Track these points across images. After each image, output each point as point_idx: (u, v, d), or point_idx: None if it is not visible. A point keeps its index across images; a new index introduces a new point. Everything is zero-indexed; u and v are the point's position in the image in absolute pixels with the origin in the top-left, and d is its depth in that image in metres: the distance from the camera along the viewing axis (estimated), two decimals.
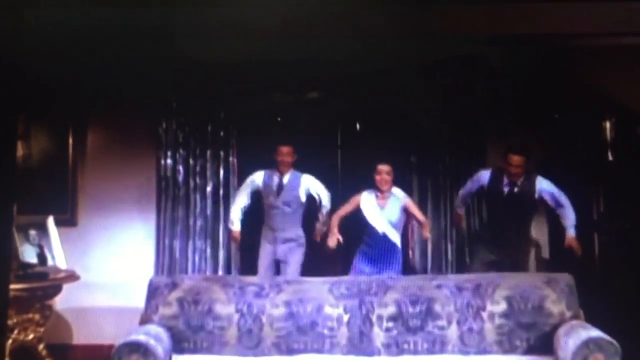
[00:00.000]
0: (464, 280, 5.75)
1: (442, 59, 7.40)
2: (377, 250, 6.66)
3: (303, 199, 7.02)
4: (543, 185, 6.68)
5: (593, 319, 5.47)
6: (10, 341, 6.50)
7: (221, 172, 7.55)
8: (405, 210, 6.74)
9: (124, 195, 7.69)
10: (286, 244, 7.01)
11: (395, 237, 6.69)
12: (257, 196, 7.11)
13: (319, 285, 5.70)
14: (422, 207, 7.36)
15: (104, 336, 7.23)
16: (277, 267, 7.08)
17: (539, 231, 7.47)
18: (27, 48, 6.09)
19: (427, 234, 6.76)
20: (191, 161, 7.57)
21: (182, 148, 7.58)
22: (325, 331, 5.50)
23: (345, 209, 6.81)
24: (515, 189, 6.64)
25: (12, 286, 6.44)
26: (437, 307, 5.54)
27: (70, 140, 7.71)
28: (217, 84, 7.58)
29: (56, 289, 6.86)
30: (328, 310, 5.55)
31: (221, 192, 7.51)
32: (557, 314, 5.49)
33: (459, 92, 7.52)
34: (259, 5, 5.48)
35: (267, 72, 7.42)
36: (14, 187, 5.26)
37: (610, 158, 7.22)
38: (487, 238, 6.90)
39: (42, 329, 6.79)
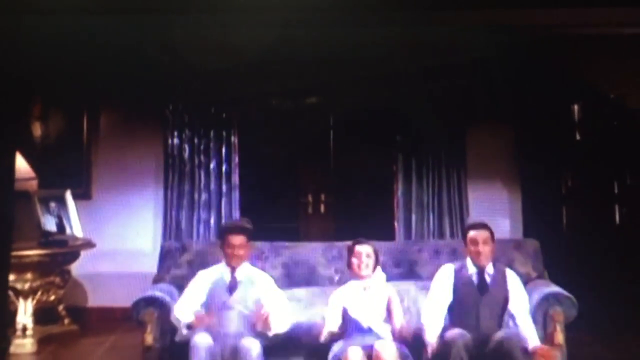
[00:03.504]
0: (442, 245, 6.43)
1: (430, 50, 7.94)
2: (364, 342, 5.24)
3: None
4: (515, 285, 5.47)
5: (558, 279, 6.03)
6: (34, 302, 7.21)
7: (223, 150, 8.12)
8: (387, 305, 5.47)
9: (134, 171, 8.30)
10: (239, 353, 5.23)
11: (384, 331, 5.37)
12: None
13: (312, 250, 6.36)
14: (406, 181, 8.05)
15: (115, 299, 7.82)
16: None
17: (512, 198, 8.19)
18: (45, 42, 6.83)
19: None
20: (196, 140, 8.14)
21: (188, 128, 8.16)
22: (317, 291, 6.14)
23: (332, 317, 5.41)
24: (487, 277, 5.44)
25: (36, 252, 7.20)
26: (418, 268, 6.21)
27: (85, 122, 8.34)
28: (219, 84, 8.16)
29: (74, 255, 7.57)
30: (321, 271, 6.19)
31: (224, 168, 8.09)
32: (524, 274, 6.08)
33: (442, 80, 8.09)
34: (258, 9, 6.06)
35: (266, 76, 8.02)
36: (13, 163, 5.88)
37: (578, 137, 7.91)
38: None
39: (61, 292, 7.52)
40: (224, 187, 8.10)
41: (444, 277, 5.49)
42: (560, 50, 7.83)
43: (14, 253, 7.01)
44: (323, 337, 5.36)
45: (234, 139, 8.21)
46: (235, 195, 8.13)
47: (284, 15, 6.58)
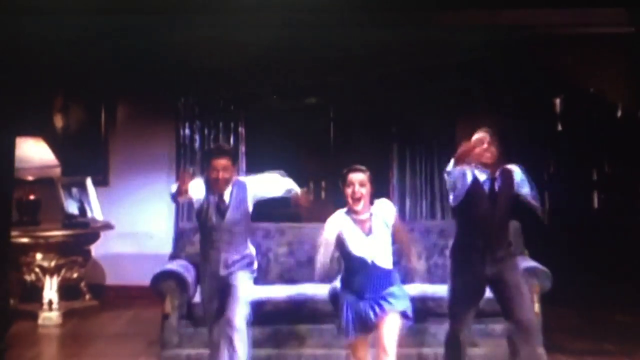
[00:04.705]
0: (432, 225, 7.06)
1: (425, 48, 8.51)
2: (367, 278, 5.01)
3: (251, 208, 5.59)
4: (520, 180, 5.39)
5: (540, 258, 6.55)
6: (59, 278, 7.86)
7: (231, 140, 8.73)
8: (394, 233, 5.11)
9: (149, 159, 8.92)
10: (235, 265, 5.49)
11: (388, 262, 5.08)
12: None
13: (314, 229, 6.90)
14: (401, 169, 8.70)
15: (131, 278, 8.44)
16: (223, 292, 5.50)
17: None
18: (66, 40, 7.40)
19: (417, 264, 5.48)
20: (206, 131, 8.76)
21: (198, 120, 8.78)
22: (319, 265, 6.76)
23: (325, 251, 5.05)
24: (496, 186, 5.30)
25: (61, 232, 7.88)
26: None
27: (103, 114, 9.00)
28: (226, 81, 8.79)
29: (95, 236, 8.23)
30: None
31: None
32: None
33: (434, 76, 8.70)
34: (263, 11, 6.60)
35: (270, 74, 8.67)
36: (13, 149, 6.41)
37: (560, 128, 8.54)
38: (477, 248, 5.25)
39: (83, 270, 8.20)
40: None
41: (464, 172, 5.27)
42: (544, 48, 8.48)
43: (41, 234, 7.75)
44: (317, 274, 5.14)
45: (241, 130, 8.83)
46: None
47: (288, 17, 7.20)
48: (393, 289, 5.00)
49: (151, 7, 6.50)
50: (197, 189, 5.45)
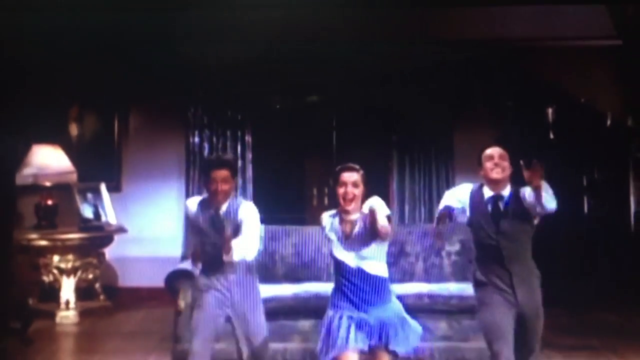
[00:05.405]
0: (429, 228, 7.42)
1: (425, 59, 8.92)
2: (356, 287, 4.70)
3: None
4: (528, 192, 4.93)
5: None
6: (76, 279, 8.25)
7: (239, 148, 9.13)
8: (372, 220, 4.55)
9: (160, 166, 9.30)
10: (240, 288, 5.22)
11: (378, 268, 4.76)
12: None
13: (317, 232, 7.29)
14: (401, 175, 9.10)
15: (142, 280, 8.87)
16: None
17: None
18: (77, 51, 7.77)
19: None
20: (214, 139, 9.14)
21: (207, 129, 9.16)
22: (323, 265, 7.13)
23: None
24: (500, 204, 4.98)
25: (77, 235, 8.28)
26: (408, 248, 7.16)
27: (116, 123, 9.40)
28: (231, 83, 9.14)
29: (109, 239, 8.62)
30: (324, 250, 7.03)
31: (239, 164, 8.97)
32: None
33: (432, 84, 9.11)
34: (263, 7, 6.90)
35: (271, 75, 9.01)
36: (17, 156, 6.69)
37: (552, 137, 8.92)
38: (493, 273, 4.94)
39: (97, 271, 8.55)
40: (239, 181, 8.91)
41: (458, 191, 5.19)
42: (538, 61, 8.92)
43: (59, 236, 8.15)
44: None
45: (247, 138, 9.21)
46: (249, 188, 9.10)
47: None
48: (404, 318, 4.75)
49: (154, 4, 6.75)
50: (192, 204, 5.27)
